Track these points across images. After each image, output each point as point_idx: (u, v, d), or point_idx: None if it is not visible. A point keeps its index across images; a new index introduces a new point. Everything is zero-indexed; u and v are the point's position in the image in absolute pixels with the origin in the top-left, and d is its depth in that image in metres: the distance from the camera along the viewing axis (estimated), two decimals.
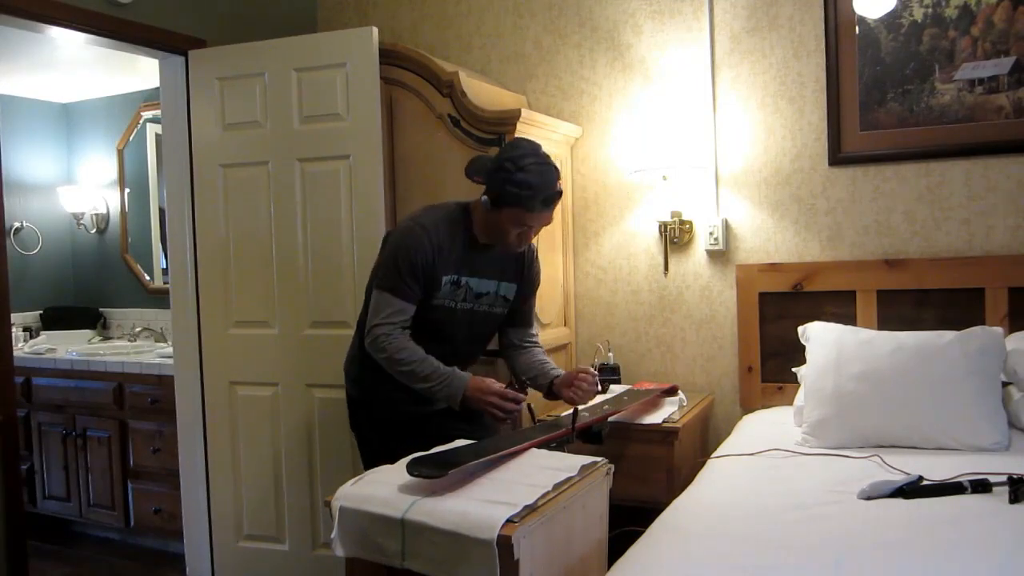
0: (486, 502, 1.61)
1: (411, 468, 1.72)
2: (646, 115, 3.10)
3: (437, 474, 1.69)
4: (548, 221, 2.19)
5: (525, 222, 2.12)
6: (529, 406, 2.28)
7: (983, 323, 2.61)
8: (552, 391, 2.31)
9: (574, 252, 3.31)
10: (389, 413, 2.28)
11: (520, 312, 2.41)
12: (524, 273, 2.37)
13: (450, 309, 2.23)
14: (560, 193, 2.15)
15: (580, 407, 2.30)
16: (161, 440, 3.57)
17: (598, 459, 1.90)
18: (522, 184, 2.06)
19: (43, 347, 4.16)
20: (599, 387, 2.29)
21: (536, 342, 2.45)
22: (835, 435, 2.33)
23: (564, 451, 2.12)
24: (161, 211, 4.41)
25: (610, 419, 2.52)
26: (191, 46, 3.05)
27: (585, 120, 3.27)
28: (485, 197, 2.14)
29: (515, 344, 2.43)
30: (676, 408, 2.77)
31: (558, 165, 3.17)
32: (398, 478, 1.79)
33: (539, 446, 2.02)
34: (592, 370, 2.29)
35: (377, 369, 2.21)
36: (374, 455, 2.24)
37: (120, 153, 4.60)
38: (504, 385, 2.17)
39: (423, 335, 2.19)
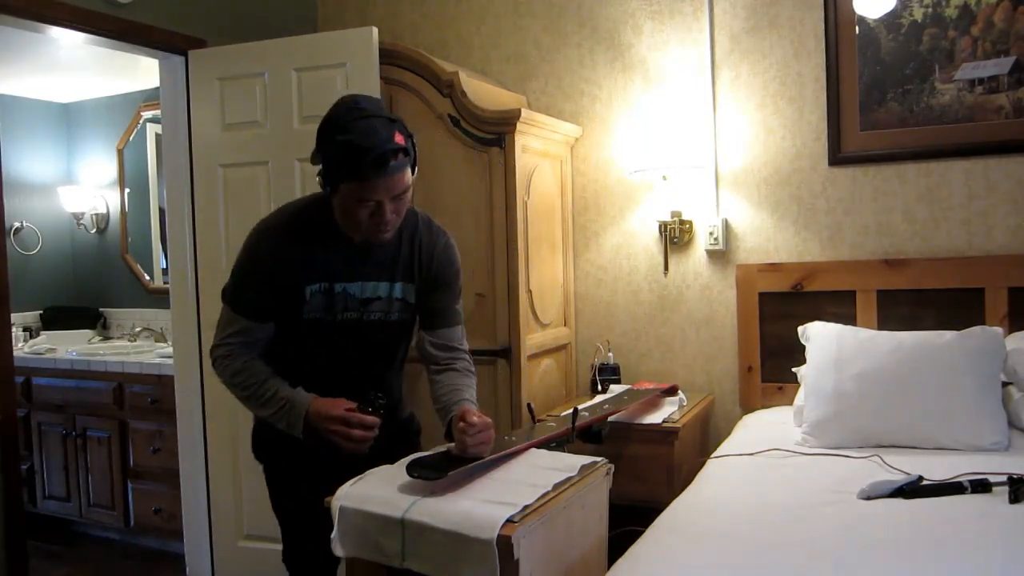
0: (486, 502, 1.61)
1: (411, 469, 1.72)
2: (646, 115, 3.10)
3: (436, 476, 1.69)
4: (401, 189, 1.70)
5: (365, 196, 1.68)
6: (529, 406, 2.27)
7: (983, 323, 2.61)
8: (450, 431, 1.84)
9: (574, 252, 3.31)
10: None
11: (431, 314, 1.96)
12: (423, 267, 1.91)
13: (327, 323, 1.84)
14: (399, 151, 1.67)
15: (580, 407, 2.28)
16: (161, 440, 3.58)
17: (598, 459, 1.90)
18: (344, 147, 1.65)
19: (43, 347, 4.16)
20: (488, 437, 1.76)
21: (457, 358, 1.97)
22: (835, 435, 2.33)
23: (564, 451, 2.12)
24: (161, 211, 4.41)
25: (610, 419, 2.53)
26: (191, 46, 3.06)
27: (585, 120, 3.27)
28: (318, 177, 1.75)
29: (432, 357, 1.96)
30: (676, 408, 2.77)
31: (559, 164, 3.19)
32: (398, 478, 1.79)
33: (539, 446, 2.02)
34: (481, 419, 1.74)
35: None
36: (285, 481, 2.00)
37: (120, 153, 4.60)
38: (352, 407, 1.77)
39: (306, 356, 1.88)
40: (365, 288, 1.86)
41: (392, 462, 1.84)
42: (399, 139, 1.68)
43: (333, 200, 1.77)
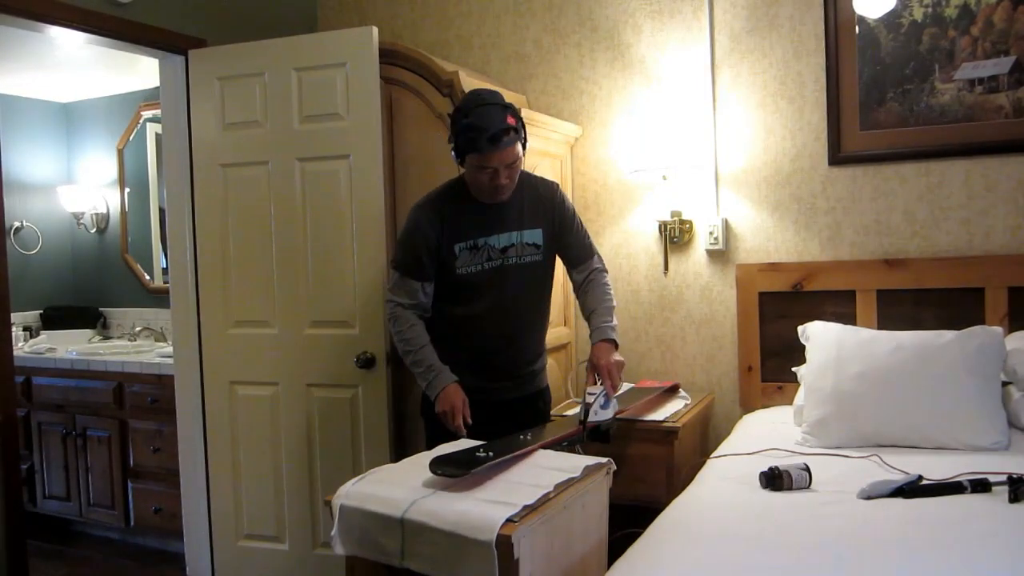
0: (486, 502, 1.61)
1: (434, 467, 1.72)
2: (646, 115, 3.10)
3: (459, 473, 1.70)
4: (512, 159, 2.20)
5: (485, 164, 2.17)
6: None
7: (983, 323, 2.61)
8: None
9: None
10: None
11: (567, 251, 2.47)
12: (543, 211, 2.40)
13: (477, 273, 2.30)
14: (510, 130, 2.16)
15: (590, 403, 2.31)
16: (161, 440, 3.58)
17: (603, 459, 1.90)
18: (467, 129, 2.14)
19: (43, 347, 4.16)
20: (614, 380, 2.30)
21: (594, 270, 2.48)
22: (835, 435, 2.33)
23: (576, 450, 2.13)
24: (161, 211, 4.41)
25: (616, 417, 2.53)
26: (191, 46, 3.05)
27: (585, 120, 3.27)
28: (452, 154, 2.25)
29: (577, 283, 2.49)
30: (682, 405, 2.78)
31: (559, 163, 3.19)
32: (399, 477, 1.79)
33: (552, 444, 2.02)
34: (605, 376, 2.30)
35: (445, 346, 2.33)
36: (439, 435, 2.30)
37: (120, 153, 4.60)
38: (464, 405, 2.23)
39: (465, 305, 2.31)
40: (500, 239, 2.33)
41: (518, 425, 2.23)
42: (510, 121, 2.17)
43: (464, 170, 2.27)
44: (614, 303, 2.45)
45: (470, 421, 2.23)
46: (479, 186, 2.25)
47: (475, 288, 2.31)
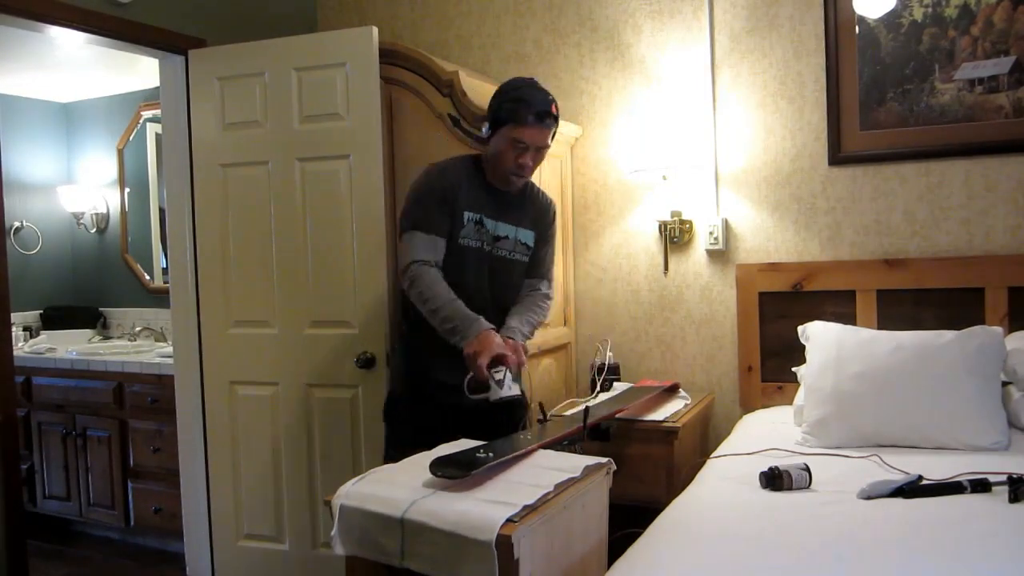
0: (486, 502, 1.61)
1: (434, 468, 1.72)
2: (646, 115, 3.10)
3: (460, 474, 1.69)
4: (544, 144, 2.24)
5: (520, 138, 2.19)
6: (540, 405, 2.28)
7: (983, 323, 2.61)
8: None
9: (574, 252, 3.31)
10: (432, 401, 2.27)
11: (534, 260, 2.43)
12: (539, 219, 2.42)
13: (476, 249, 2.28)
14: (552, 116, 2.21)
15: (590, 404, 2.31)
16: (161, 440, 3.58)
17: (603, 459, 1.90)
18: (516, 99, 2.19)
19: (43, 347, 4.16)
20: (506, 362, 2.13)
21: (539, 290, 2.42)
22: (835, 435, 2.33)
23: (576, 449, 2.13)
24: (161, 211, 4.41)
25: (617, 416, 2.53)
26: (191, 46, 3.05)
27: (585, 120, 3.27)
28: (485, 124, 2.27)
29: (519, 290, 2.42)
30: (682, 405, 2.78)
31: (558, 163, 3.19)
32: (399, 477, 1.79)
33: (552, 444, 2.02)
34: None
35: (424, 356, 2.27)
36: (405, 446, 2.14)
37: (120, 153, 4.60)
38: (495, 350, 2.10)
39: (454, 279, 2.22)
40: (499, 226, 2.32)
41: (494, 430, 2.12)
42: (554, 109, 2.23)
43: (488, 146, 2.28)
44: (540, 320, 2.37)
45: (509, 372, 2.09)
46: (502, 163, 2.25)
47: (467, 264, 2.28)
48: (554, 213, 2.49)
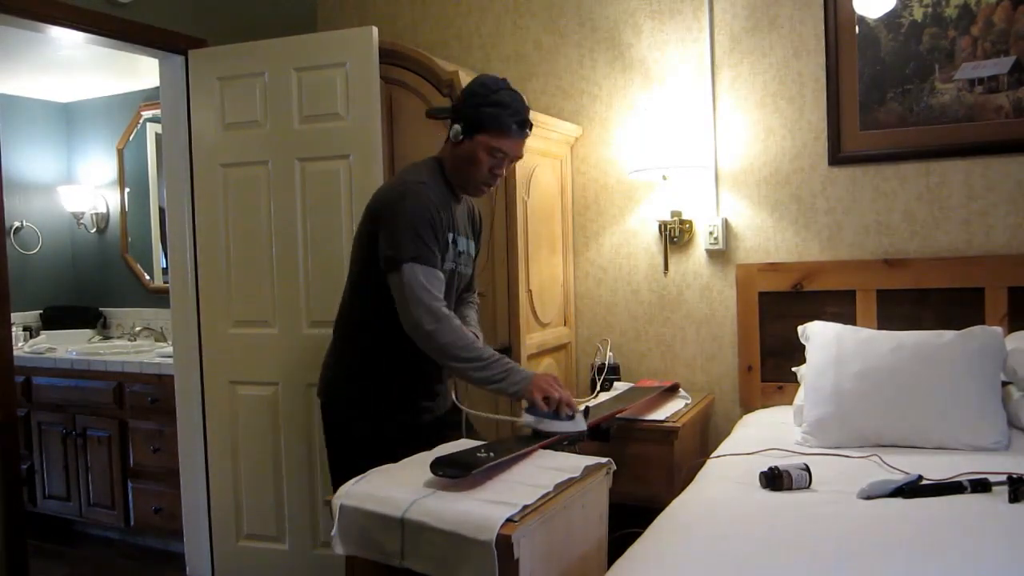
0: (486, 502, 1.61)
1: (435, 468, 1.72)
2: (646, 115, 3.10)
3: (460, 474, 1.69)
4: (519, 154, 2.09)
5: (499, 147, 2.01)
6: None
7: (983, 323, 2.61)
8: None
9: (574, 252, 3.31)
10: (382, 423, 2.10)
11: (472, 271, 2.30)
12: (477, 225, 2.29)
13: (450, 272, 2.10)
14: (529, 122, 2.06)
15: (591, 404, 2.29)
16: (161, 440, 3.57)
17: (603, 459, 1.90)
18: (497, 103, 1.99)
19: (43, 347, 4.16)
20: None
21: (473, 302, 2.32)
22: (835, 434, 2.33)
23: (576, 449, 2.12)
24: (161, 211, 4.41)
25: (617, 416, 2.53)
26: (191, 46, 3.05)
27: (585, 120, 3.27)
28: (456, 128, 2.02)
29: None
30: (682, 405, 2.78)
31: (559, 163, 3.19)
32: (399, 477, 1.79)
33: (552, 444, 2.02)
34: None
35: (373, 375, 2.08)
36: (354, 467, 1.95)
37: (120, 153, 4.60)
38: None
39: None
40: (458, 241, 2.14)
41: (439, 442, 2.00)
42: (529, 117, 2.07)
43: (458, 150, 2.04)
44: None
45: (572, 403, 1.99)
46: (471, 170, 2.05)
47: (446, 290, 2.08)
48: (482, 219, 2.35)
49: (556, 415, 1.96)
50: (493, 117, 1.99)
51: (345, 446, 2.15)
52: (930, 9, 2.75)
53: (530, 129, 2.08)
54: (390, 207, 2.00)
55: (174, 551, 3.55)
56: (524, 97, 2.08)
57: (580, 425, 2.02)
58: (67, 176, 4.79)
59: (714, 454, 2.41)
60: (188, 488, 3.19)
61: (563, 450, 2.07)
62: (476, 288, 2.36)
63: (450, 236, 2.07)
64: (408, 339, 1.99)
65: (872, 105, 2.85)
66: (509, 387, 1.95)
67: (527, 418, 1.99)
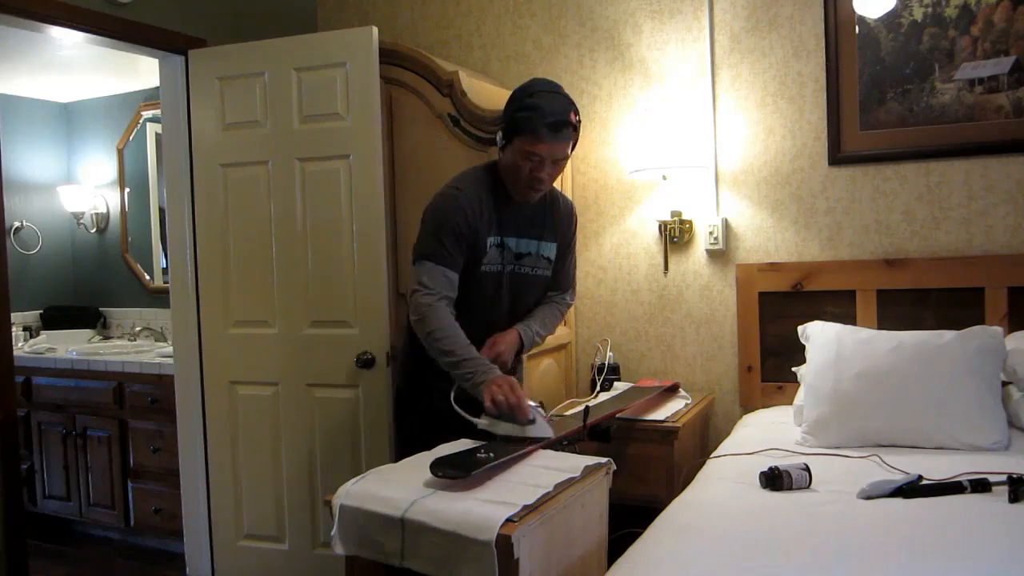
0: (486, 502, 1.61)
1: (434, 469, 1.72)
2: (646, 115, 3.10)
3: (460, 475, 1.69)
4: (561, 155, 2.06)
5: (534, 151, 2.01)
6: (540, 404, 2.27)
7: (983, 323, 2.61)
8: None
9: (574, 252, 3.31)
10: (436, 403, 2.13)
11: (558, 272, 2.32)
12: (562, 229, 2.28)
13: (498, 274, 2.16)
14: (570, 125, 2.03)
15: (590, 404, 2.29)
16: (161, 440, 3.58)
17: (603, 459, 1.90)
18: (529, 107, 2.00)
19: (43, 347, 4.16)
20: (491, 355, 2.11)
21: (563, 300, 2.36)
22: (834, 434, 2.33)
23: (575, 449, 2.12)
24: (161, 211, 4.41)
25: (617, 416, 2.53)
26: (191, 46, 3.05)
27: (585, 120, 3.27)
28: (499, 133, 2.09)
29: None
30: (682, 405, 2.78)
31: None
32: (399, 477, 1.79)
33: (552, 444, 2.02)
34: (490, 350, 2.12)
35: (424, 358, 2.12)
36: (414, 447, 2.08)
37: (120, 153, 4.60)
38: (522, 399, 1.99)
39: (470, 304, 2.12)
40: (520, 243, 2.19)
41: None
42: (572, 117, 2.05)
43: (503, 156, 2.10)
44: (557, 323, 2.34)
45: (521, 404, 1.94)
46: (515, 177, 2.09)
47: (486, 291, 2.16)
48: (576, 218, 2.37)
49: (510, 419, 1.94)
50: (525, 121, 2.01)
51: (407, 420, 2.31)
52: (930, 9, 2.75)
53: (571, 130, 2.05)
54: (425, 210, 2.15)
55: (174, 551, 3.55)
56: (564, 97, 2.06)
57: (541, 432, 1.96)
58: (67, 176, 4.80)
59: (714, 454, 2.41)
60: (188, 488, 3.19)
61: (563, 450, 2.07)
62: (567, 286, 2.38)
63: (491, 240, 2.12)
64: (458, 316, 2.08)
65: (872, 105, 2.85)
66: (471, 387, 1.99)
67: (482, 420, 1.98)
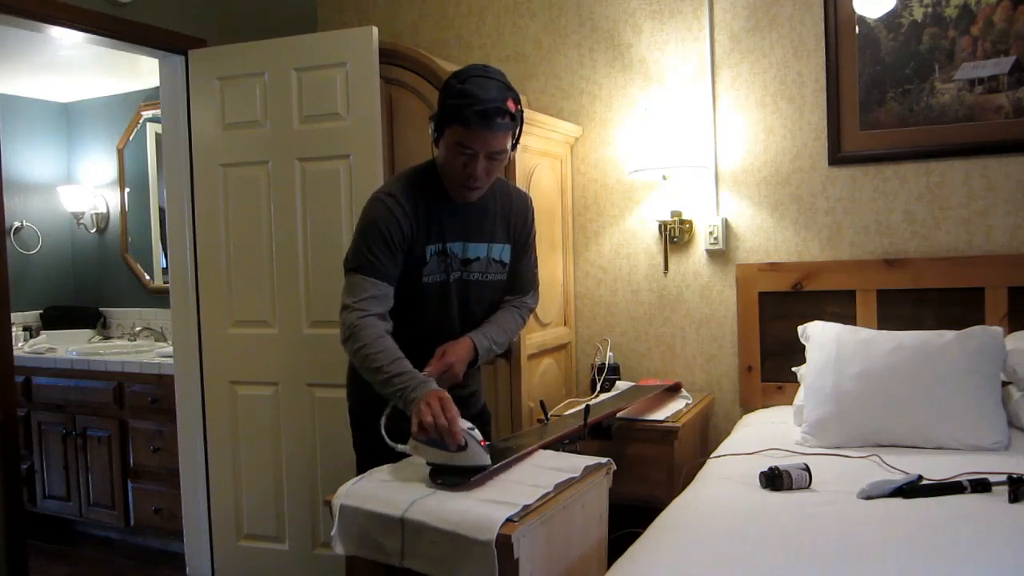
0: (486, 502, 1.61)
1: (433, 477, 1.71)
2: (646, 114, 3.10)
3: (459, 482, 1.69)
4: (497, 149, 1.82)
5: (465, 143, 1.80)
6: (541, 403, 2.26)
7: (983, 323, 2.61)
8: None
9: (574, 252, 3.31)
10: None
11: (514, 275, 2.10)
12: (516, 227, 2.06)
13: (442, 284, 1.95)
14: (506, 113, 1.80)
15: (591, 403, 2.27)
16: (161, 440, 3.58)
17: (603, 459, 1.90)
18: (458, 94, 1.78)
19: (43, 347, 4.16)
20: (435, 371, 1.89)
21: (524, 304, 2.14)
22: (835, 434, 2.33)
23: (576, 447, 2.12)
24: (161, 211, 4.41)
25: (618, 415, 2.53)
26: (191, 46, 3.06)
27: (585, 120, 3.27)
28: (431, 125, 1.88)
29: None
30: (682, 404, 2.78)
31: (558, 163, 3.19)
32: (399, 477, 1.79)
33: (553, 443, 2.02)
34: (435, 365, 1.89)
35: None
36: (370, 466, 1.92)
37: (120, 153, 4.60)
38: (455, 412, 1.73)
39: (414, 318, 1.95)
40: (467, 248, 1.97)
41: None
42: (509, 105, 1.81)
43: (437, 151, 1.89)
44: (512, 334, 2.10)
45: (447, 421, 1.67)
46: (450, 175, 1.88)
47: (429, 303, 1.96)
48: (533, 214, 2.11)
49: (438, 443, 1.68)
50: (454, 110, 1.79)
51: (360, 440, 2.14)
52: (930, 9, 2.75)
53: (509, 120, 1.82)
54: (363, 215, 1.94)
55: (174, 551, 3.55)
56: (500, 83, 1.82)
57: (472, 459, 1.69)
58: (67, 176, 4.80)
59: (714, 454, 2.41)
60: (188, 488, 3.19)
61: (564, 449, 2.08)
62: (528, 289, 2.16)
63: (432, 248, 1.92)
64: (402, 331, 1.89)
65: (872, 105, 2.85)
66: (404, 405, 1.76)
67: (408, 445, 1.76)
